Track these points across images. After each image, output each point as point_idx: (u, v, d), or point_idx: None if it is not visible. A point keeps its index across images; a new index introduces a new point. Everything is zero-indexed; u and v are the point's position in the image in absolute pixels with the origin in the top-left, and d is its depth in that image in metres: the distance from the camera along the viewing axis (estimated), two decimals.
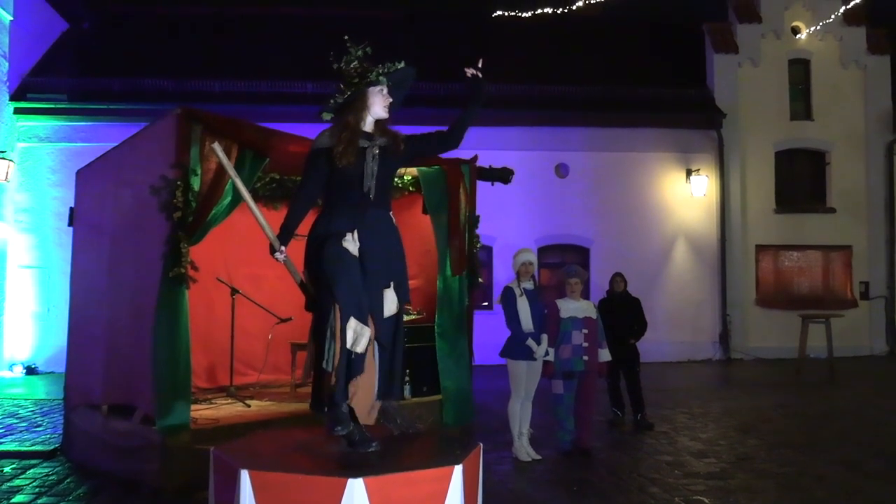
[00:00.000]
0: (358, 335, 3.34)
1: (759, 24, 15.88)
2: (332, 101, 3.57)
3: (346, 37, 3.61)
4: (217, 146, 3.75)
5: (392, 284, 3.54)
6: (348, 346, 3.32)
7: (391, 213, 3.65)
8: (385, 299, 3.51)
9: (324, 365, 3.37)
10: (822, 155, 16.02)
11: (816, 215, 15.73)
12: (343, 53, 3.58)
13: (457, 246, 6.98)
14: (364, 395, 3.51)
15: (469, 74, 3.58)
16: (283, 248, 3.54)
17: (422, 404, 6.70)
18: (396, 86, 3.63)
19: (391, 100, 3.59)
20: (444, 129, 3.68)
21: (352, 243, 3.43)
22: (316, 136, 3.62)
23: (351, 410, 3.44)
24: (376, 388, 3.55)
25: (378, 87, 3.55)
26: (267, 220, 3.66)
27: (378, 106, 3.56)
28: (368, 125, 3.58)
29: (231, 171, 3.80)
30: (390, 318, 3.54)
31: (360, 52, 3.57)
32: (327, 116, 3.61)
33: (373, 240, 3.48)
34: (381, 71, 3.54)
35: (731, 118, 15.39)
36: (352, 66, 3.54)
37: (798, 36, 15.97)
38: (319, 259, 3.42)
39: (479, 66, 3.58)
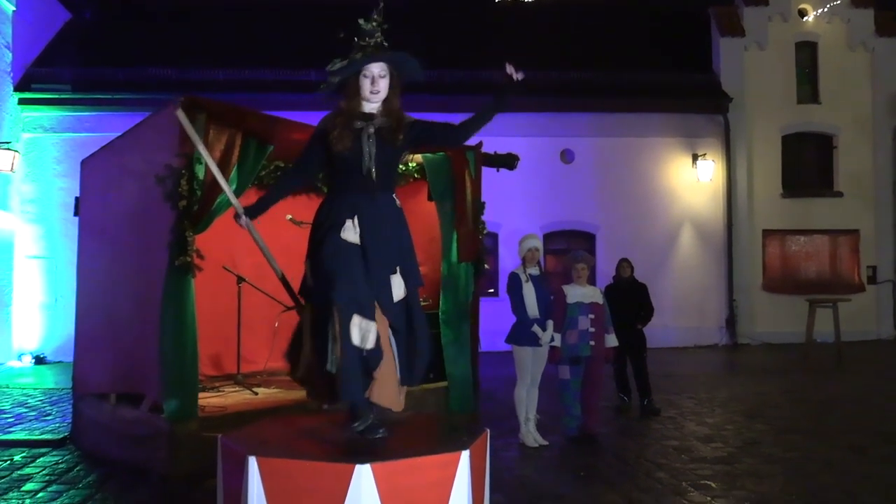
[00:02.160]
0: (365, 332, 3.27)
1: (765, 6, 15.73)
2: (328, 69, 3.43)
3: (382, 3, 3.49)
4: (181, 113, 3.72)
5: (399, 270, 3.46)
6: (357, 344, 3.25)
7: (395, 196, 3.57)
8: (392, 285, 3.43)
9: (328, 368, 3.32)
10: (829, 139, 15.91)
11: (823, 199, 15.64)
12: (353, 34, 3.47)
13: (465, 233, 6.94)
14: (389, 382, 3.46)
15: (508, 73, 3.40)
16: (243, 214, 3.63)
17: (427, 391, 6.70)
18: (398, 69, 3.49)
19: (380, 88, 3.42)
20: (453, 123, 3.56)
21: (352, 231, 3.37)
22: (321, 119, 3.58)
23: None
24: (398, 374, 3.51)
25: (367, 75, 3.40)
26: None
27: (366, 90, 3.42)
28: (371, 108, 3.48)
29: (194, 138, 3.81)
30: (400, 302, 3.46)
31: (374, 23, 3.46)
32: (333, 78, 3.43)
33: (375, 225, 3.40)
34: (369, 50, 3.40)
35: (737, 102, 15.29)
36: (368, 27, 3.43)
37: (805, 18, 15.82)
38: (318, 255, 3.37)
39: (518, 74, 3.41)
